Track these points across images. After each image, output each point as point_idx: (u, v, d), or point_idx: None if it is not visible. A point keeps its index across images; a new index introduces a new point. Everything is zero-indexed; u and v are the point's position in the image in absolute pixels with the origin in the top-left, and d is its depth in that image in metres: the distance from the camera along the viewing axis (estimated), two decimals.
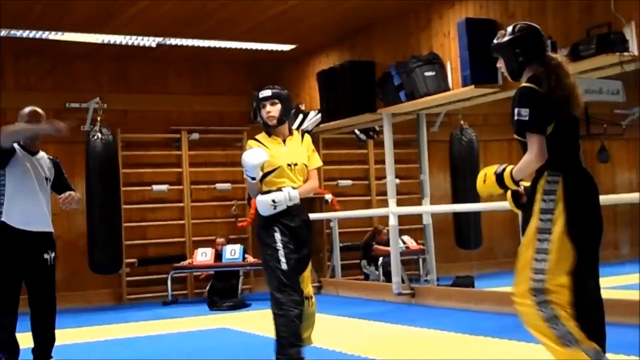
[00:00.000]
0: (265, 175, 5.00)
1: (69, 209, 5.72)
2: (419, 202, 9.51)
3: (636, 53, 6.43)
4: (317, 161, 5.24)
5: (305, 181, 5.14)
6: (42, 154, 5.65)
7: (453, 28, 8.00)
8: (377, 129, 10.45)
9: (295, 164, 5.07)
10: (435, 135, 10.92)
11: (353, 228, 11.53)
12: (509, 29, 4.13)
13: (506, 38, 4.10)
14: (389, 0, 8.51)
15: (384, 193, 9.56)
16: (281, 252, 4.92)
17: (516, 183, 4.10)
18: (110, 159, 9.82)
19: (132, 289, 10.53)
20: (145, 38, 9.56)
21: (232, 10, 8.67)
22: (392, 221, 8.96)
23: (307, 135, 5.29)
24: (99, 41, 9.51)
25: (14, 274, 5.32)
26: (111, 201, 9.79)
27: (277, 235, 4.95)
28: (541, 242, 3.85)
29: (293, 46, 10.36)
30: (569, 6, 6.98)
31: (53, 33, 9.08)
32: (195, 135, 11.04)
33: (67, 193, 5.57)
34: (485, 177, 4.18)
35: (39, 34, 9.06)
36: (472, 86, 7.60)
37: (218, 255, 10.24)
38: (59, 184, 5.73)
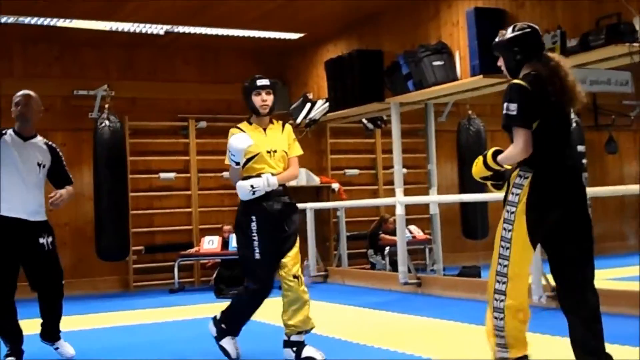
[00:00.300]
0: (246, 161, 5.21)
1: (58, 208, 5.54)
2: (426, 192, 9.51)
3: None
4: (297, 149, 5.44)
5: (285, 169, 5.33)
6: (37, 139, 5.50)
7: (462, 17, 7.97)
8: (385, 118, 10.44)
9: (275, 151, 5.27)
10: (442, 125, 10.90)
11: (360, 217, 11.54)
12: (509, 28, 4.30)
13: (505, 37, 4.27)
14: None
15: (391, 182, 9.56)
16: (256, 243, 5.14)
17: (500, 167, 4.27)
18: (118, 146, 9.83)
19: (139, 276, 10.55)
20: (153, 26, 9.56)
21: None
22: (399, 210, 8.96)
23: (287, 125, 5.51)
24: (107, 28, 9.51)
25: (7, 262, 5.20)
26: (118, 188, 9.80)
27: (254, 225, 5.15)
28: (506, 231, 4.11)
29: (301, 35, 10.34)
30: None
31: (61, 20, 9.09)
32: (203, 124, 11.04)
33: (57, 193, 5.35)
34: (477, 161, 4.38)
35: (47, 21, 9.07)
36: (481, 76, 7.57)
37: (225, 243, 10.26)
38: (55, 172, 5.53)
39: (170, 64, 11.05)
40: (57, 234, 5.56)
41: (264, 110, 5.31)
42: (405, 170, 9.32)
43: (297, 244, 5.37)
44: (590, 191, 9.36)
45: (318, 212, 10.98)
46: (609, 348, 4.16)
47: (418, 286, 8.86)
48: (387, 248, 10.39)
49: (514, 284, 4.12)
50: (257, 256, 5.15)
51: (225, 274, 9.98)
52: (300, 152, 5.48)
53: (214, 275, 10.16)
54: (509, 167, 4.27)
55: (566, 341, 5.44)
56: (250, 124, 5.39)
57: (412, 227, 10.70)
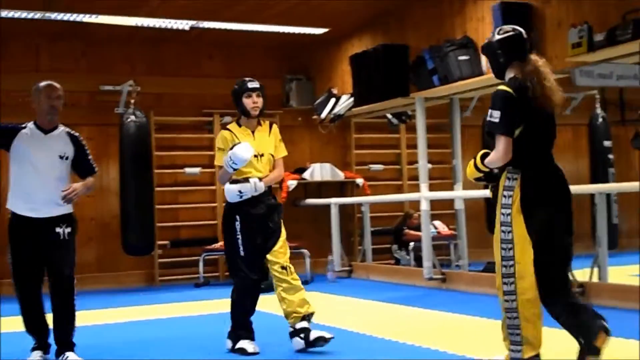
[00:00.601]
0: None
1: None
2: (450, 187, 9.48)
3: None
4: (283, 151, 5.73)
5: (271, 171, 5.61)
6: (59, 130, 5.33)
7: (487, 12, 7.92)
8: (410, 113, 10.41)
9: (262, 155, 5.55)
10: (468, 119, 10.85)
11: (384, 212, 11.52)
12: (498, 31, 4.47)
13: (491, 40, 4.46)
14: None
15: (416, 178, 9.54)
16: (240, 241, 5.45)
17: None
18: (144, 141, 9.88)
19: (164, 271, 10.61)
20: (179, 21, 9.59)
21: None
22: (424, 206, 8.94)
23: (274, 126, 5.74)
24: (133, 24, 9.55)
25: (29, 258, 5.16)
26: (144, 183, 9.85)
27: (237, 224, 5.45)
28: (505, 233, 4.30)
29: (326, 29, 10.33)
30: None
31: (87, 16, 9.13)
32: (228, 119, 11.05)
33: (70, 187, 5.18)
34: (470, 163, 4.60)
35: (73, 17, 9.12)
36: None
37: None
38: (78, 162, 5.37)
39: (195, 60, 11.08)
40: (82, 229, 5.45)
41: (254, 112, 5.53)
42: (430, 165, 9.29)
43: (283, 236, 5.64)
44: (616, 187, 9.35)
45: (342, 207, 10.98)
46: (632, 343, 4.14)
47: (443, 282, 8.84)
48: (412, 243, 10.37)
49: (523, 282, 4.27)
50: (242, 253, 5.46)
51: None
52: (285, 153, 5.75)
53: None
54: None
55: None
56: (240, 125, 5.61)
57: (437, 223, 10.67)
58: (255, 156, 5.49)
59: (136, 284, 10.39)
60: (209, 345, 5.90)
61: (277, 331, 6.42)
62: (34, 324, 5.29)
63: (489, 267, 9.11)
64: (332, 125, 10.68)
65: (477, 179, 4.60)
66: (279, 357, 5.33)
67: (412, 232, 10.49)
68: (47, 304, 5.34)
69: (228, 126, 5.65)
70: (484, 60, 8.01)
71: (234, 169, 5.38)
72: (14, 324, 5.50)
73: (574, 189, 8.16)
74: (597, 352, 4.22)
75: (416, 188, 9.45)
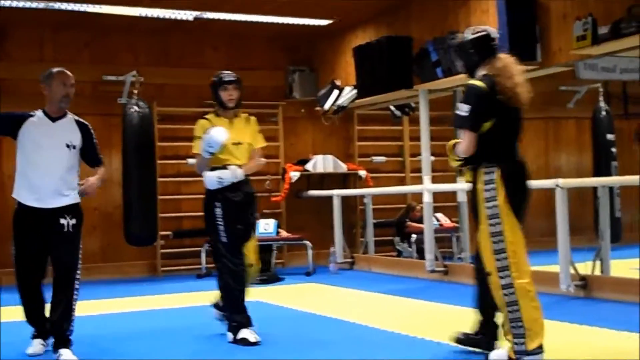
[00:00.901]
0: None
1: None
2: (453, 180, 9.48)
3: None
4: (261, 141, 5.90)
5: (249, 159, 5.73)
6: (67, 118, 5.26)
7: (492, 4, 7.90)
8: (413, 105, 10.40)
9: (240, 143, 5.67)
10: None
11: (387, 205, 11.52)
12: (467, 32, 4.74)
13: (464, 40, 4.72)
14: None
15: (418, 170, 9.54)
16: (221, 227, 5.52)
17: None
18: (146, 132, 9.86)
19: (167, 261, 10.62)
20: (183, 12, 9.58)
21: None
22: (427, 198, 8.94)
23: (252, 117, 5.90)
24: (137, 14, 9.54)
25: (32, 249, 5.12)
26: (147, 174, 9.85)
27: (218, 211, 5.54)
28: (494, 226, 4.42)
29: (329, 21, 10.32)
30: None
31: (91, 6, 9.12)
32: None
33: (87, 181, 5.18)
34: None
35: (77, 7, 9.11)
36: None
37: None
38: (87, 151, 5.31)
39: (199, 50, 11.07)
40: (86, 219, 5.26)
41: (230, 104, 5.71)
42: (432, 157, 9.29)
43: (255, 236, 5.88)
44: (619, 180, 9.33)
45: (345, 199, 10.99)
46: (634, 337, 4.15)
47: (445, 274, 8.84)
48: (414, 236, 10.37)
49: (519, 273, 4.40)
50: (224, 239, 5.53)
51: None
52: (264, 143, 5.92)
53: None
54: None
55: (595, 330, 5.44)
56: (218, 115, 5.77)
57: (439, 215, 10.67)
58: (234, 144, 5.63)
59: (139, 274, 10.41)
60: (211, 335, 5.91)
61: (278, 322, 6.45)
62: (34, 314, 5.29)
63: None
64: (335, 117, 10.68)
65: (459, 166, 4.79)
66: (282, 348, 5.34)
67: (414, 224, 10.49)
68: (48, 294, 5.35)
69: (206, 116, 5.83)
70: None
71: (210, 153, 5.49)
72: (15, 313, 5.50)
73: (578, 182, 8.21)
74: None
75: (419, 180, 9.44)
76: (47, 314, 5.27)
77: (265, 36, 11.18)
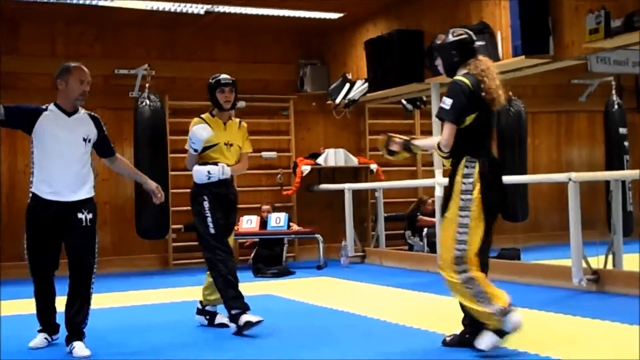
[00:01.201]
0: (204, 149, 5.81)
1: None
2: None
3: None
4: (249, 147, 6.16)
5: (237, 162, 5.98)
6: (81, 113, 5.28)
7: None
8: (425, 99, 10.38)
9: (231, 144, 5.92)
10: None
11: (398, 198, 11.51)
12: (449, 34, 4.92)
13: (445, 41, 4.90)
14: None
15: (430, 164, 9.52)
16: (209, 219, 5.74)
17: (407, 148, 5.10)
18: (158, 125, 9.88)
19: (178, 255, 10.64)
20: (194, 5, 9.58)
21: None
22: (438, 192, 8.93)
23: (243, 123, 6.15)
24: (148, 8, 9.55)
25: (47, 243, 5.14)
26: (158, 167, 9.85)
27: (206, 204, 5.77)
28: (463, 217, 4.66)
29: (340, 15, 10.30)
30: None
31: (102, 0, 9.14)
32: (242, 104, 11.03)
33: (158, 191, 5.50)
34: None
35: (88, 1, 9.13)
36: (523, 57, 7.50)
37: (263, 223, 10.31)
38: (101, 144, 5.37)
39: (210, 44, 11.08)
40: (98, 212, 5.42)
41: (227, 105, 5.92)
42: None
43: (233, 233, 6.07)
44: (632, 173, 9.28)
45: (356, 193, 10.99)
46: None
47: None
48: (425, 229, 10.36)
49: (472, 263, 4.66)
50: (212, 230, 5.74)
51: (263, 254, 10.03)
52: (251, 149, 6.18)
53: (252, 255, 10.22)
54: (418, 141, 5.12)
55: (608, 324, 5.43)
56: (213, 116, 5.97)
57: None
58: (225, 144, 5.88)
59: (150, 268, 10.44)
60: (218, 328, 5.92)
61: (290, 315, 6.46)
62: (44, 308, 5.30)
63: (503, 254, 9.11)
64: (347, 111, 10.67)
65: (443, 157, 4.95)
66: (293, 341, 5.34)
67: (425, 218, 10.48)
68: (60, 287, 5.37)
69: (202, 115, 6.00)
70: (500, 45, 7.98)
71: (194, 149, 5.78)
72: (21, 306, 5.53)
73: (590, 175, 8.18)
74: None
75: (430, 174, 9.44)
76: (56, 308, 5.33)
77: (276, 30, 11.17)
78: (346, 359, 4.78)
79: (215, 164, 5.82)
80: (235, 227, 10.34)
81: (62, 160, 5.12)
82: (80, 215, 5.13)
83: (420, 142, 5.16)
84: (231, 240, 5.99)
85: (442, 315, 6.13)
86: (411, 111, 11.24)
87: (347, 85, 10.40)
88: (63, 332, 5.27)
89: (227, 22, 10.59)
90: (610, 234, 7.54)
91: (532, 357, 4.57)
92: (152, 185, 5.57)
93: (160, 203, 5.60)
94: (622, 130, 10.56)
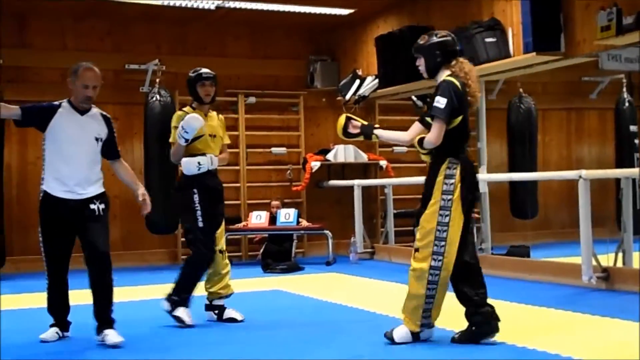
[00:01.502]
0: (191, 141, 5.78)
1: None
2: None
3: None
4: (228, 138, 6.22)
5: (220, 153, 6.04)
6: (93, 112, 5.32)
7: None
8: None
9: (214, 135, 5.99)
10: (492, 102, 10.79)
11: (407, 195, 11.48)
12: (433, 35, 5.02)
13: (430, 42, 4.98)
14: None
15: None
16: (199, 212, 5.77)
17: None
18: (168, 120, 9.82)
19: (188, 250, 10.61)
20: (205, 1, 9.59)
21: None
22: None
23: (221, 116, 6.24)
24: (159, 3, 9.56)
25: (61, 238, 5.19)
26: (168, 162, 9.79)
27: (196, 197, 5.78)
28: (443, 217, 4.83)
29: (351, 10, 10.29)
30: None
31: None
32: (252, 99, 11.08)
33: (144, 200, 5.48)
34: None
35: None
36: (534, 53, 7.48)
37: (272, 219, 10.32)
38: (108, 145, 5.39)
39: (220, 40, 11.09)
40: (109, 204, 5.47)
41: (207, 99, 5.97)
42: None
43: (223, 223, 6.05)
44: None
45: (365, 189, 10.98)
46: None
47: None
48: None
49: (449, 260, 4.84)
50: (201, 224, 5.77)
51: (272, 249, 10.05)
52: (229, 141, 6.23)
53: (262, 250, 10.24)
54: (381, 131, 5.23)
55: (617, 322, 5.41)
56: (194, 109, 5.98)
57: None
58: (210, 136, 5.93)
59: (159, 262, 10.46)
60: (231, 323, 5.93)
61: (298, 310, 6.47)
62: (56, 303, 5.33)
63: (513, 251, 9.10)
64: (357, 107, 10.66)
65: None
66: (301, 336, 5.35)
67: None
68: (76, 281, 5.39)
69: (183, 109, 6.04)
70: (511, 42, 7.96)
71: (186, 139, 5.71)
72: (32, 300, 5.55)
73: (601, 173, 8.15)
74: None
75: None
76: (69, 304, 5.39)
77: (286, 26, 11.17)
78: (354, 356, 4.77)
79: (204, 154, 5.84)
80: (245, 223, 10.48)
81: (74, 159, 5.16)
82: (92, 206, 5.19)
83: (385, 133, 5.25)
84: (222, 231, 6.02)
85: (451, 311, 6.11)
86: (421, 107, 11.20)
87: (357, 81, 10.40)
88: (74, 329, 5.34)
89: (237, 18, 10.59)
90: (620, 231, 7.52)
91: (542, 354, 4.56)
92: (141, 195, 5.51)
93: (147, 213, 5.55)
94: (633, 128, 10.53)
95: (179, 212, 6.04)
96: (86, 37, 10.33)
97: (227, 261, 6.10)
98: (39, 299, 5.48)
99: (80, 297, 5.44)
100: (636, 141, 10.53)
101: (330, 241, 10.24)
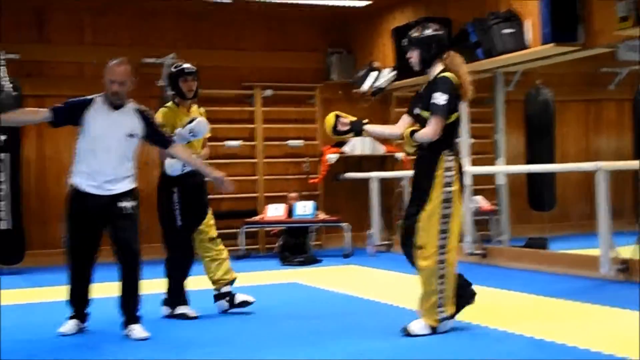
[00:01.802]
0: None
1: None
2: (491, 162, 9.41)
3: None
4: (209, 132, 6.09)
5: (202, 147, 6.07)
6: (128, 107, 5.30)
7: None
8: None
9: None
10: (510, 94, 10.74)
11: None
12: (427, 27, 5.06)
13: (424, 34, 5.02)
14: None
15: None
16: (177, 212, 5.80)
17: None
18: None
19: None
20: None
21: None
22: (466, 181, 8.86)
23: (202, 109, 6.18)
24: None
25: (87, 232, 5.22)
26: None
27: (175, 196, 5.79)
28: (445, 209, 4.87)
29: (367, 2, 10.28)
30: None
31: None
32: (269, 92, 11.08)
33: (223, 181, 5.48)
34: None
35: None
36: (552, 44, 7.45)
37: (290, 211, 10.33)
38: (153, 136, 5.38)
39: (236, 32, 11.08)
40: (140, 200, 5.48)
41: (190, 94, 5.94)
42: (471, 139, 9.22)
43: (210, 211, 6.07)
44: None
45: (382, 182, 10.97)
46: None
47: (483, 257, 8.80)
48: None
49: (453, 251, 4.94)
50: (179, 222, 5.81)
51: (290, 242, 10.07)
52: (209, 134, 6.11)
53: (279, 243, 10.25)
54: (370, 127, 5.35)
55: (636, 314, 5.38)
56: (177, 105, 5.99)
57: (478, 198, 10.60)
58: None
59: None
60: (249, 316, 5.94)
61: (316, 303, 6.48)
62: (78, 295, 5.35)
63: (531, 243, 9.07)
64: (373, 99, 10.64)
65: (413, 147, 5.11)
66: (319, 329, 5.35)
67: None
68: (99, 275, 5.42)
69: (167, 105, 6.04)
70: (529, 33, 7.92)
71: (188, 141, 5.76)
72: (51, 294, 5.58)
73: (619, 164, 8.10)
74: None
75: None
76: (89, 296, 5.41)
77: (303, 18, 11.16)
78: (373, 348, 4.78)
79: None
80: (262, 216, 10.49)
81: (103, 155, 5.16)
82: (120, 204, 5.20)
83: (376, 128, 5.43)
84: (209, 219, 6.05)
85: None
86: None
87: (374, 73, 10.37)
88: (93, 321, 5.39)
89: (254, 10, 10.59)
90: (638, 223, 7.48)
91: (560, 347, 4.55)
92: (216, 173, 5.57)
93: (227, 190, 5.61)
94: None
95: (159, 211, 5.99)
96: (104, 31, 10.35)
97: (221, 247, 6.10)
98: (58, 293, 5.50)
99: (97, 290, 5.48)
100: None
101: (347, 233, 10.25)
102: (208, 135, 6.10)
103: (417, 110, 5.08)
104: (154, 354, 4.78)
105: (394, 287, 7.46)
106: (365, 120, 5.34)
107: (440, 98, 4.85)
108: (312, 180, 11.08)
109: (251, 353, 4.75)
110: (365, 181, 10.90)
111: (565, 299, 6.15)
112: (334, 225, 10.62)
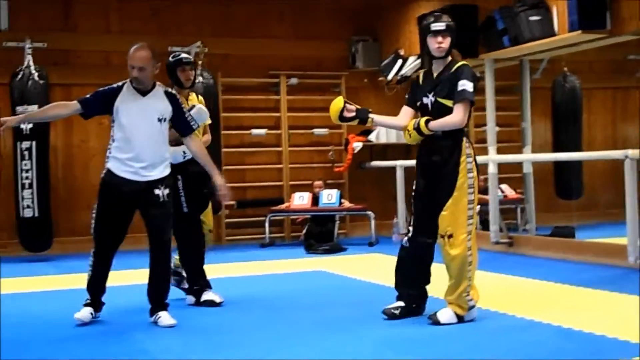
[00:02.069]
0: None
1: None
2: (517, 150, 9.35)
3: None
4: (209, 119, 6.20)
5: (203, 135, 6.11)
6: (156, 91, 5.28)
7: None
8: (478, 75, 10.25)
9: None
10: (536, 82, 10.67)
11: None
12: (445, 18, 5.11)
13: (453, 23, 5.10)
14: None
15: (483, 140, 9.42)
16: (183, 198, 5.87)
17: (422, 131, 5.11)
18: (211, 102, 9.91)
19: (231, 231, 10.74)
20: None
21: None
22: (492, 169, 8.85)
23: (201, 97, 6.27)
24: None
25: (117, 219, 5.23)
26: (211, 144, 9.84)
27: (180, 183, 5.84)
28: (470, 194, 4.97)
29: None
30: None
31: None
32: (294, 80, 11.08)
33: (222, 187, 5.45)
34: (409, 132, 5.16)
35: None
36: (580, 31, 7.38)
37: (315, 200, 10.33)
38: (177, 120, 5.35)
39: (262, 21, 11.08)
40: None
41: (188, 84, 5.98)
42: (498, 128, 9.18)
43: (210, 203, 6.21)
44: None
45: (408, 170, 10.93)
46: None
47: (509, 246, 8.77)
48: (478, 207, 10.27)
49: (475, 239, 5.05)
50: (185, 209, 5.88)
51: (315, 230, 10.08)
52: (210, 121, 6.24)
53: (304, 231, 10.27)
54: (375, 117, 5.27)
55: None
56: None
57: (504, 186, 10.55)
58: None
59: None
60: (273, 303, 5.97)
61: (342, 291, 6.49)
62: (96, 282, 5.36)
63: (557, 232, 9.02)
64: (399, 87, 10.60)
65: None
66: (344, 317, 5.36)
67: (478, 195, 10.38)
68: (117, 262, 5.46)
69: None
70: (556, 20, 7.86)
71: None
72: (78, 280, 5.62)
73: None
74: None
75: (484, 151, 9.34)
76: (106, 285, 5.43)
77: (328, 6, 11.15)
78: (399, 336, 4.78)
79: None
80: (287, 204, 10.51)
81: (137, 142, 5.16)
82: (157, 192, 5.22)
83: (381, 118, 5.37)
84: (209, 212, 6.20)
85: (495, 293, 6.10)
86: None
87: (400, 61, 10.33)
88: (106, 310, 5.44)
89: None
90: None
91: (588, 335, 4.53)
92: (219, 179, 5.47)
93: (228, 203, 5.64)
94: None
95: None
96: (130, 19, 10.39)
97: (210, 236, 6.31)
98: (84, 280, 5.54)
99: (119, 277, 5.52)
100: None
101: (372, 222, 10.24)
102: (208, 122, 6.18)
103: (430, 99, 5.09)
104: (181, 341, 4.81)
105: None
106: (371, 110, 5.31)
107: (468, 85, 4.94)
108: (337, 169, 11.08)
109: (280, 339, 4.76)
110: (391, 169, 10.88)
111: (592, 288, 6.12)
112: (359, 214, 10.62)
